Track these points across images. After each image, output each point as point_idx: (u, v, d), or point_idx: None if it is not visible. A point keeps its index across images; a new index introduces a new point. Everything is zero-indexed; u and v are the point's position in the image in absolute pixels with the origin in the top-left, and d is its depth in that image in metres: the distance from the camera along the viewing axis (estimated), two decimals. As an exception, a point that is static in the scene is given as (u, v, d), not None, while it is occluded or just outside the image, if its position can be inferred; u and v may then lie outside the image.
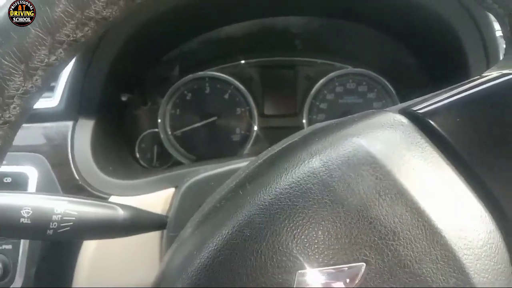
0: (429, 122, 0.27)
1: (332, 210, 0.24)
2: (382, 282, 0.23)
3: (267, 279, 0.23)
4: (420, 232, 0.23)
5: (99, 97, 0.69)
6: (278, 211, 0.25)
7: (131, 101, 0.82)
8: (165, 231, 0.51)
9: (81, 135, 0.65)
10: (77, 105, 0.67)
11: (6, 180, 0.59)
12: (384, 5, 0.75)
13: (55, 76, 0.25)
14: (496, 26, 0.67)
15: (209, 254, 0.25)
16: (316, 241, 0.24)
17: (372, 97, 0.91)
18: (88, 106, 0.67)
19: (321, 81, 0.89)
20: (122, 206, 0.42)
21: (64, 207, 0.38)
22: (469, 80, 0.30)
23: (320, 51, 0.93)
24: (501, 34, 0.35)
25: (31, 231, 0.38)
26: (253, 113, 0.90)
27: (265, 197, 0.25)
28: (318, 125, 0.33)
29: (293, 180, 0.25)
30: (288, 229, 0.24)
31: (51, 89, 0.67)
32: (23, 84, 0.23)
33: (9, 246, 0.57)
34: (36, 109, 0.63)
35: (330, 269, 0.23)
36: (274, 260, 0.24)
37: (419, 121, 0.28)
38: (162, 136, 0.88)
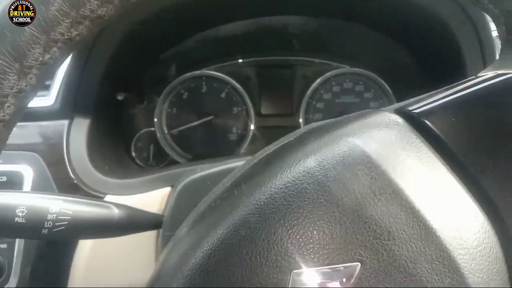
0: (425, 122, 0.27)
1: (327, 210, 0.24)
2: (377, 282, 0.23)
3: (262, 279, 0.23)
4: (415, 232, 0.23)
5: (95, 95, 0.69)
6: (273, 210, 0.24)
7: (127, 100, 0.82)
8: (161, 230, 0.51)
9: (77, 134, 0.65)
10: (73, 104, 0.66)
11: (1, 179, 0.59)
12: (382, 5, 0.75)
13: (49, 75, 0.25)
14: (493, 26, 0.67)
15: (204, 253, 0.25)
16: (311, 241, 0.24)
17: (369, 96, 0.91)
18: (84, 105, 0.67)
19: (318, 80, 0.89)
20: (118, 206, 0.42)
21: (59, 206, 0.38)
22: (464, 80, 0.31)
23: (317, 51, 0.93)
24: (497, 35, 0.35)
25: (26, 231, 0.37)
26: (250, 113, 0.90)
27: (260, 197, 0.25)
28: (314, 124, 0.33)
29: (288, 179, 0.25)
30: (283, 228, 0.24)
31: (47, 87, 0.67)
32: (17, 83, 0.23)
33: (4, 246, 0.57)
34: (31, 107, 0.63)
35: (325, 268, 0.23)
36: (269, 259, 0.24)
37: (415, 121, 0.28)
38: (158, 135, 0.88)
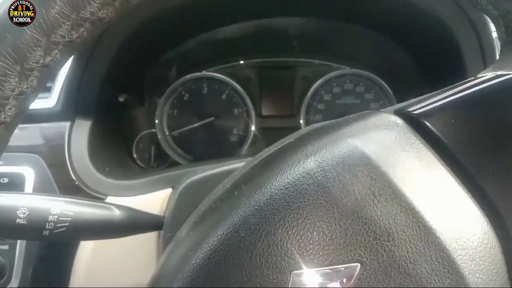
0: (424, 123, 0.27)
1: (327, 211, 0.24)
2: (376, 283, 0.23)
3: (262, 280, 0.23)
4: (415, 233, 0.23)
5: (96, 97, 0.69)
6: (273, 211, 0.25)
7: (128, 102, 0.82)
8: (162, 231, 0.51)
9: (78, 136, 0.65)
10: (74, 105, 0.67)
11: (3, 180, 0.59)
12: (382, 6, 0.75)
13: (50, 77, 0.25)
14: (493, 27, 0.67)
15: (205, 254, 0.25)
16: (311, 241, 0.24)
17: (369, 97, 0.91)
18: (85, 107, 0.67)
19: (319, 81, 0.89)
20: (119, 207, 0.42)
21: (60, 208, 0.38)
22: (464, 81, 0.31)
23: (317, 52, 0.93)
24: (497, 36, 0.35)
25: (27, 232, 0.37)
26: (250, 114, 0.90)
27: (260, 198, 0.25)
28: (314, 126, 0.33)
29: (288, 181, 0.25)
30: (283, 229, 0.24)
31: (48, 89, 0.67)
32: (18, 85, 0.23)
33: (5, 247, 0.57)
34: (33, 109, 0.63)
35: (325, 269, 0.23)
36: (269, 260, 0.24)
37: (414, 122, 0.28)
38: (159, 136, 0.88)
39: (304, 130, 0.33)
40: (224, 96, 0.90)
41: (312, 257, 0.23)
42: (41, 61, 0.23)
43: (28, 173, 0.60)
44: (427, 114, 0.28)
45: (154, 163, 0.89)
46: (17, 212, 0.36)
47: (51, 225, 0.37)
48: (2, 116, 0.23)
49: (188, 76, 0.89)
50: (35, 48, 0.23)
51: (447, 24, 0.68)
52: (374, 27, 0.83)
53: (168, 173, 0.62)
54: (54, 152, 0.63)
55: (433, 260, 0.23)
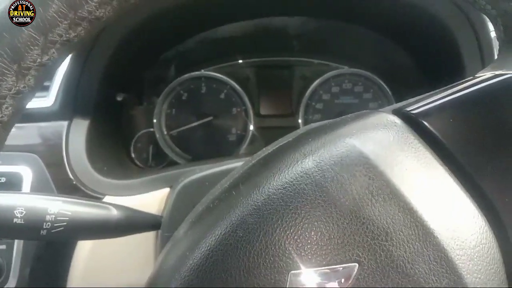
0: (422, 123, 0.27)
1: (324, 211, 0.24)
2: (374, 283, 0.23)
3: (260, 280, 0.23)
4: (413, 233, 0.23)
5: (94, 96, 0.69)
6: (271, 211, 0.25)
7: (126, 101, 0.82)
8: (159, 231, 0.51)
9: (76, 135, 0.65)
10: (72, 104, 0.66)
11: (0, 180, 0.59)
12: (381, 6, 0.75)
13: (48, 76, 0.25)
14: (491, 26, 0.68)
15: (202, 254, 0.25)
16: (308, 241, 0.24)
17: (368, 97, 0.91)
18: (83, 106, 0.67)
19: (317, 81, 0.89)
20: (116, 206, 0.42)
21: (58, 207, 0.38)
22: (462, 80, 0.31)
23: (316, 52, 0.93)
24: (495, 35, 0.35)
25: (24, 231, 0.37)
26: (249, 113, 0.90)
27: (258, 198, 0.25)
28: (312, 125, 0.33)
29: (286, 180, 0.25)
30: (281, 229, 0.24)
31: (46, 88, 0.67)
32: (15, 84, 0.23)
33: (3, 246, 0.57)
34: (30, 108, 0.63)
35: (323, 269, 0.23)
36: (267, 260, 0.24)
37: (412, 122, 0.28)
38: (157, 136, 0.88)
39: (302, 129, 0.33)
40: (222, 96, 0.90)
41: (310, 257, 0.23)
42: (38, 60, 0.23)
43: (26, 173, 0.60)
44: (426, 114, 0.28)
45: (152, 162, 0.88)
46: (15, 211, 0.36)
47: (48, 225, 0.37)
48: (-1, 115, 0.23)
49: (186, 75, 0.89)
50: (32, 47, 0.23)
51: (446, 24, 0.68)
52: (373, 27, 0.84)
53: (166, 172, 0.62)
54: (52, 151, 0.62)
55: (431, 260, 0.23)
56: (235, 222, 0.25)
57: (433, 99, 0.29)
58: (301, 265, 0.23)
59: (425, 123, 0.27)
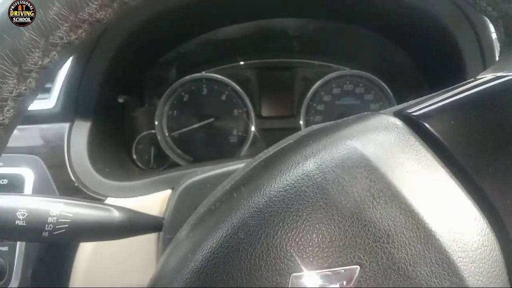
0: (424, 125, 0.27)
1: (326, 213, 0.24)
2: (376, 285, 0.23)
3: (261, 282, 0.23)
4: (414, 235, 0.23)
5: (96, 98, 0.69)
6: (272, 213, 0.25)
7: (128, 103, 0.82)
8: (161, 233, 0.51)
9: (78, 137, 0.65)
10: (74, 106, 0.67)
11: (2, 182, 0.59)
12: (381, 7, 0.75)
13: (49, 78, 0.25)
14: (492, 28, 0.67)
15: (204, 256, 0.25)
16: (310, 244, 0.24)
17: (369, 98, 0.91)
18: (84, 108, 0.67)
19: (318, 82, 0.89)
20: (118, 208, 0.42)
21: (60, 209, 0.38)
22: (463, 82, 0.31)
23: (317, 53, 0.93)
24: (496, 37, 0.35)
25: (26, 233, 0.37)
26: (250, 115, 0.90)
27: (259, 200, 0.25)
28: (314, 127, 0.33)
29: (288, 182, 0.25)
30: (282, 231, 0.24)
31: (48, 90, 0.67)
32: (16, 87, 0.23)
33: (5, 248, 0.57)
34: (32, 110, 0.63)
35: (325, 271, 0.23)
36: (268, 263, 0.24)
37: (414, 124, 0.28)
38: (159, 137, 0.88)
39: (303, 131, 0.33)
40: (223, 97, 0.90)
41: (311, 259, 0.23)
42: (40, 62, 0.23)
43: (28, 174, 0.60)
44: (427, 116, 0.28)
45: (154, 164, 0.89)
46: (16, 213, 0.36)
47: (50, 227, 0.37)
48: (1, 118, 0.23)
49: (187, 77, 0.89)
50: (33, 50, 0.23)
51: (447, 25, 0.68)
52: (374, 28, 0.83)
53: (167, 174, 0.62)
54: (54, 153, 0.63)
55: (432, 262, 0.23)
56: (237, 224, 0.25)
57: (434, 101, 0.29)
58: (302, 268, 0.23)
59: (426, 125, 0.27)
